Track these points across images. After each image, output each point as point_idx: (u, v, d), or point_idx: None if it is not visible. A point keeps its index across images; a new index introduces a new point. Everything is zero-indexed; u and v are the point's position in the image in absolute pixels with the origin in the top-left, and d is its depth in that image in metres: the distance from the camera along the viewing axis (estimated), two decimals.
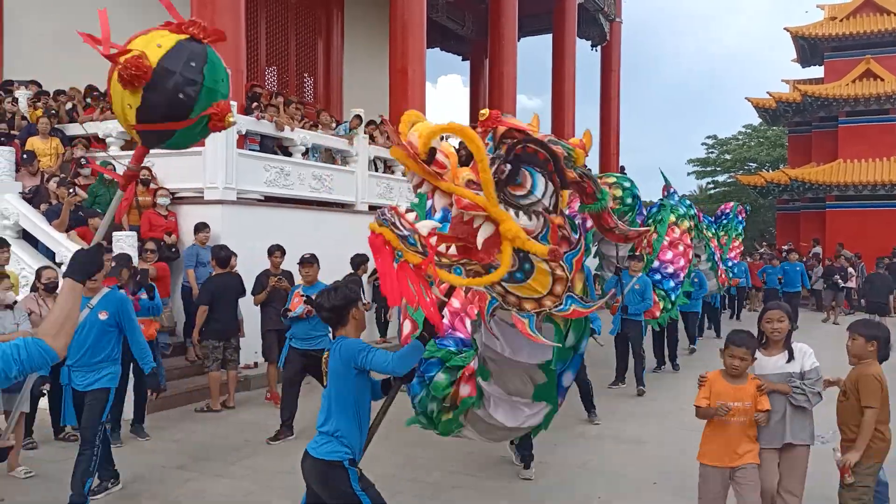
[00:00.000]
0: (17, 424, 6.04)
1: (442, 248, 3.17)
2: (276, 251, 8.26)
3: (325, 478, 3.50)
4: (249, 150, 10.22)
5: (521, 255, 3.08)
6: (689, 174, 48.27)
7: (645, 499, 5.45)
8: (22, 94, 11.40)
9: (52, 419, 6.91)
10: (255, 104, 10.53)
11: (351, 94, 19.02)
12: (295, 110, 11.46)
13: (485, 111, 3.27)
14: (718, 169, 45.35)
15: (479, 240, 3.02)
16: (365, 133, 12.36)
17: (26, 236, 8.78)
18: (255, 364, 9.30)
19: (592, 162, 25.10)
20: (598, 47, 25.77)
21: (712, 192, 45.51)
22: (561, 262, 3.19)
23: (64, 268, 8.13)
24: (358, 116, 12.19)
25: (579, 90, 23.83)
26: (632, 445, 6.84)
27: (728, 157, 44.53)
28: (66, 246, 8.37)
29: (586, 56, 25.58)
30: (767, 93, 27.20)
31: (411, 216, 3.00)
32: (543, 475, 5.95)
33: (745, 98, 28.00)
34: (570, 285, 3.29)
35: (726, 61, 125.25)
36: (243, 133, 10.01)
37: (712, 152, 46.56)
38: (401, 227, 2.93)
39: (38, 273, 6.89)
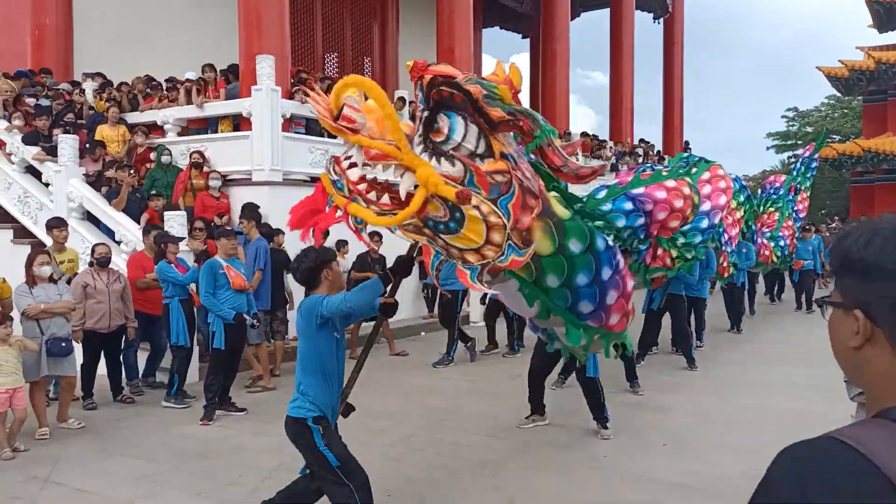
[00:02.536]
0: (65, 385, 6.71)
1: (375, 196, 3.11)
2: (376, 235, 9.16)
3: (295, 435, 3.75)
4: (295, 132, 10.69)
5: (450, 203, 2.99)
6: (768, 149, 46.69)
7: (651, 457, 5.62)
8: (89, 86, 12.21)
9: (111, 383, 7.58)
10: (298, 88, 10.97)
11: (406, 77, 19.35)
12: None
13: (409, 62, 3.16)
14: (800, 143, 43.63)
15: (402, 190, 3.02)
16: (409, 115, 12.67)
17: (89, 217, 9.51)
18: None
19: (655, 139, 24.73)
20: (661, 20, 25.24)
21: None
22: (495, 208, 3.06)
23: (123, 246, 8.83)
24: (402, 98, 12.50)
25: (641, 65, 23.48)
26: (656, 413, 6.99)
27: (809, 129, 42.78)
28: (124, 225, 9.05)
29: (648, 29, 25.13)
30: (840, 61, 26.06)
31: (346, 164, 3.07)
32: (557, 438, 6.20)
33: (817, 68, 26.89)
34: (520, 233, 3.19)
35: (806, 28, 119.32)
36: (288, 117, 10.47)
37: (793, 125, 44.83)
38: (332, 173, 3.10)
39: (93, 249, 7.54)
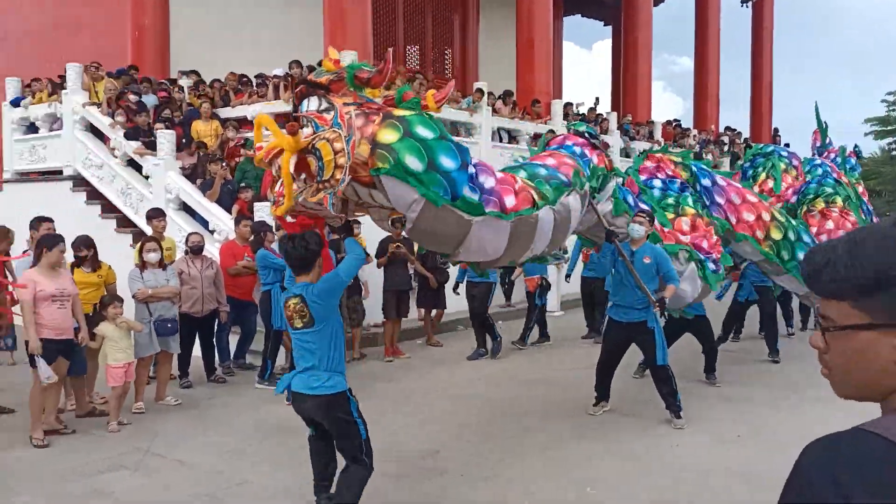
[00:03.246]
0: (163, 364, 7.22)
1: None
2: (397, 223, 8.98)
3: (331, 409, 4.05)
4: None
5: (313, 149, 3.81)
6: (866, 134, 44.27)
7: (723, 448, 5.64)
8: (185, 83, 12.89)
9: (205, 365, 8.09)
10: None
11: (486, 68, 19.48)
12: (419, 86, 12.09)
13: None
14: None
15: (283, 165, 3.79)
16: (489, 105, 12.81)
17: (185, 207, 10.10)
18: (378, 323, 9.94)
19: (742, 125, 24.00)
20: (749, 3, 24.44)
21: (895, 153, 41.54)
22: (331, 127, 3.86)
23: (216, 235, 9.35)
24: (479, 90, 12.66)
25: (727, 49, 22.83)
26: (733, 404, 6.96)
27: None
28: (217, 215, 9.59)
29: (736, 12, 24.38)
30: None
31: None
32: (628, 426, 6.29)
33: None
34: (364, 135, 3.99)
35: None
36: None
37: (894, 109, 42.41)
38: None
39: (187, 238, 8.05)
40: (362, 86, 4.19)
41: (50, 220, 7.07)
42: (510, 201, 4.64)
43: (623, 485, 4.97)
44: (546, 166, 5.44)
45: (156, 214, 8.36)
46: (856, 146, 11.33)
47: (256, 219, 8.86)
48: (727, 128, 22.47)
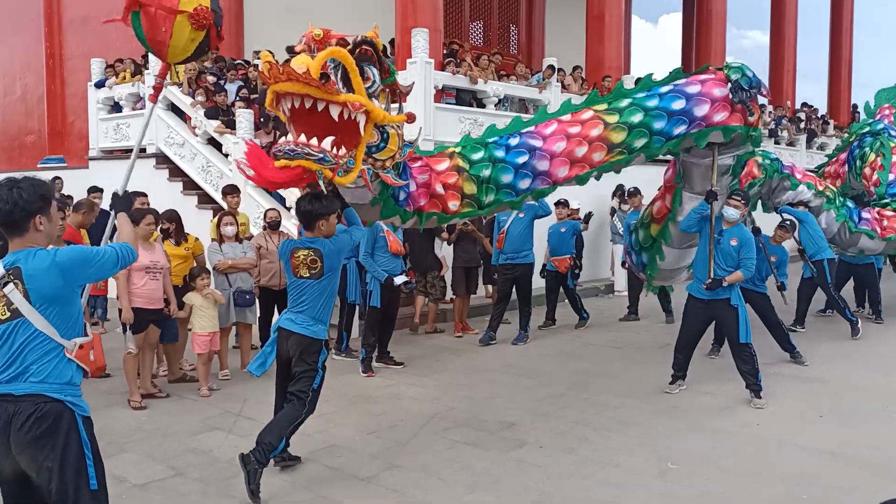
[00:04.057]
0: (244, 334, 7.50)
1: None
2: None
3: (305, 350, 4.46)
4: (446, 103, 11.07)
5: (381, 128, 4.17)
6: None
7: (805, 427, 5.59)
8: (259, 62, 13.17)
9: None
10: (450, 60, 11.32)
11: (552, 44, 19.25)
12: (488, 62, 12.09)
13: (318, 31, 4.16)
14: None
15: (362, 127, 4.06)
16: (558, 82, 12.71)
17: None
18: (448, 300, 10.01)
19: (820, 101, 23.16)
20: None
21: None
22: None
23: (293, 211, 9.59)
24: (550, 66, 12.56)
25: (805, 23, 22.01)
26: (814, 384, 6.87)
27: None
28: (293, 191, 9.81)
29: None
30: None
31: (302, 138, 3.96)
32: (708, 404, 6.27)
33: None
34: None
35: None
36: (440, 88, 10.86)
37: None
38: (314, 153, 3.93)
39: (265, 214, 8.29)
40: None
41: (144, 195, 7.38)
42: (563, 172, 5.59)
43: (705, 460, 4.98)
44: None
45: (231, 191, 8.56)
46: None
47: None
48: (804, 104, 21.71)
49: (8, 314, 2.77)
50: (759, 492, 4.47)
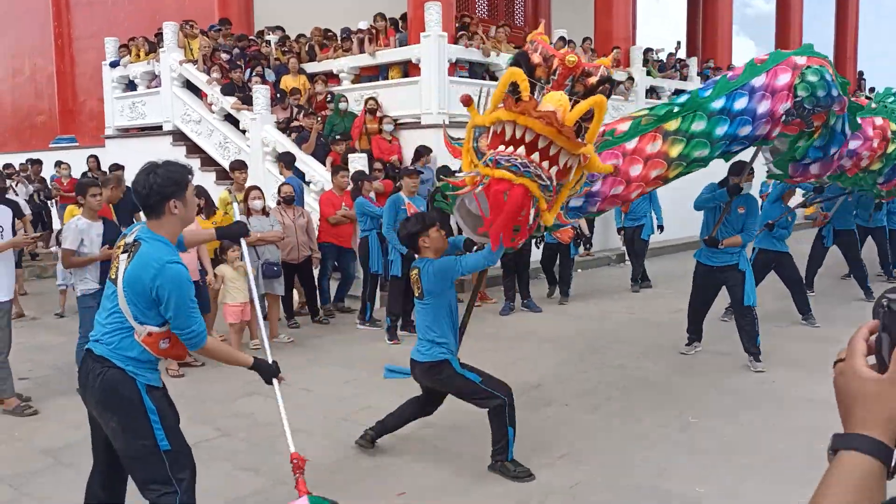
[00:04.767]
0: (272, 304, 7.74)
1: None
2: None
3: (433, 375, 4.38)
4: (459, 76, 11.21)
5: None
6: None
7: (817, 383, 5.83)
8: (272, 39, 13.29)
9: (309, 307, 8.62)
10: (462, 33, 11.43)
11: (559, 14, 19.26)
12: (502, 35, 12.20)
13: (573, 58, 3.63)
14: None
15: (573, 172, 3.76)
16: None
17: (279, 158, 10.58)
18: None
19: None
20: None
21: None
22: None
23: (312, 185, 9.79)
24: (562, 38, 12.66)
25: None
26: (825, 343, 7.10)
27: None
28: (312, 167, 10.03)
29: None
30: None
31: (535, 157, 3.55)
32: (723, 364, 6.51)
33: None
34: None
35: None
36: (454, 61, 11.00)
37: None
38: (543, 178, 3.57)
39: (279, 189, 8.48)
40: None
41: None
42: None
43: (724, 415, 5.23)
44: None
45: (239, 166, 8.59)
46: None
47: (353, 169, 9.24)
48: None
49: (115, 277, 2.98)
50: (777, 442, 4.71)
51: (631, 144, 4.88)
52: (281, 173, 9.32)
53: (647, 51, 15.11)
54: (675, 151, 4.91)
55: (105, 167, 11.57)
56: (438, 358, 4.36)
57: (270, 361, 3.59)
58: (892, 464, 0.91)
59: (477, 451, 4.46)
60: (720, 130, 4.97)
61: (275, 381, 3.58)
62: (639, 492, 4.06)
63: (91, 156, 12.34)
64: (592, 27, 15.34)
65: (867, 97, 19.85)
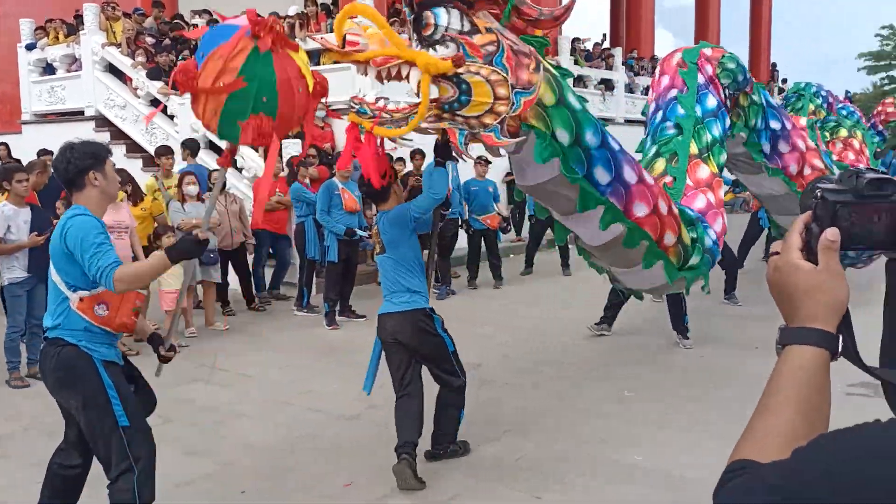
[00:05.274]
0: (208, 291, 7.63)
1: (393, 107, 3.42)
2: (416, 154, 9.30)
3: (416, 324, 4.07)
4: None
5: (455, 79, 3.27)
6: (859, 70, 44.27)
7: (743, 358, 6.16)
8: (199, 22, 12.94)
9: (244, 294, 8.51)
10: (394, 19, 11.42)
11: None
12: None
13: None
14: (894, 63, 41.26)
15: (413, 83, 3.29)
16: None
17: (212, 146, 10.36)
18: None
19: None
20: None
21: (887, 88, 41.68)
22: (493, 67, 3.31)
23: (245, 172, 9.63)
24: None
25: None
26: (754, 321, 7.47)
27: None
28: (244, 154, 9.86)
29: None
30: None
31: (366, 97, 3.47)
32: (658, 343, 6.78)
33: None
34: (519, 83, 3.40)
35: None
36: None
37: (888, 44, 42.31)
38: (356, 105, 3.44)
39: (209, 174, 8.36)
40: (523, 26, 3.57)
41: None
42: (639, 211, 4.07)
43: (659, 389, 5.47)
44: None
45: (165, 152, 8.45)
46: (849, 92, 11.60)
47: (286, 155, 9.15)
48: None
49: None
50: (707, 412, 4.96)
51: (688, 180, 4.98)
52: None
53: (575, 40, 15.42)
54: (714, 167, 5.08)
55: (17, 153, 11.05)
56: (424, 306, 4.14)
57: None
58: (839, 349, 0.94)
59: (423, 433, 4.52)
60: (717, 131, 5.20)
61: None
62: (582, 461, 4.22)
63: (0, 143, 11.77)
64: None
65: (780, 88, 20.94)
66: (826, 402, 0.90)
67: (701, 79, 5.33)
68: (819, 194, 0.95)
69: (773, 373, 0.93)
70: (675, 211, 4.35)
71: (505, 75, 3.35)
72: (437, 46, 3.33)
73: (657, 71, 5.77)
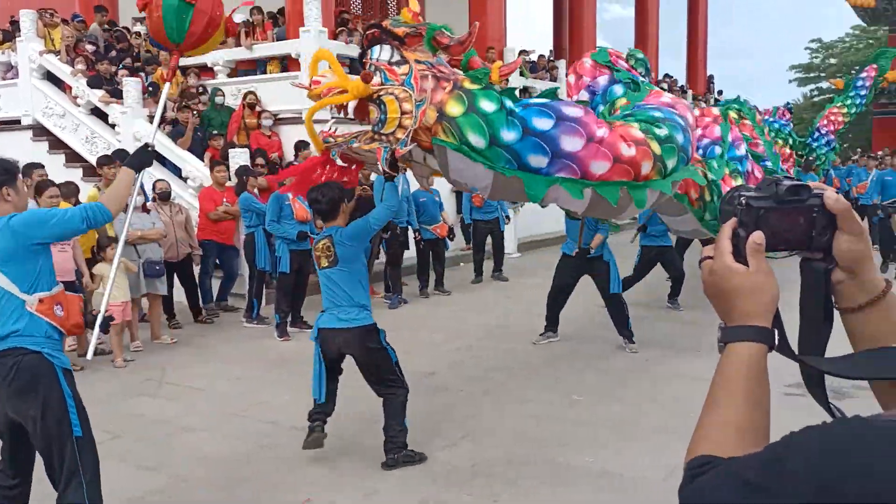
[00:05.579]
0: (154, 304, 7.51)
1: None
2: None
3: (364, 340, 4.28)
4: None
5: (378, 100, 3.81)
6: (790, 81, 46.10)
7: (688, 360, 6.35)
8: (141, 29, 12.72)
9: (190, 305, 8.37)
10: (342, 29, 11.44)
11: (433, 12, 19.53)
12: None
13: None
14: (822, 75, 43.08)
15: (350, 109, 3.94)
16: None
17: (155, 155, 10.17)
18: None
19: (679, 72, 24.86)
20: None
21: (816, 99, 43.46)
22: (401, 86, 3.80)
23: (190, 182, 9.51)
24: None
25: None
26: (690, 326, 7.70)
27: (833, 61, 42.21)
28: (190, 162, 9.73)
29: None
30: None
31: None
32: (602, 349, 6.94)
33: None
34: (424, 97, 3.85)
35: None
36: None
37: (816, 57, 44.20)
38: (328, 140, 4.09)
39: (154, 184, 8.22)
40: (438, 49, 4.11)
41: (41, 167, 7.17)
42: (599, 168, 4.03)
43: (606, 392, 5.61)
44: (685, 123, 4.62)
45: (107, 161, 8.18)
46: (790, 105, 12.08)
47: (233, 165, 9.06)
48: (666, 75, 23.25)
49: None
50: (653, 413, 5.13)
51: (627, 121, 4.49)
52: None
53: (521, 52, 15.67)
54: (656, 148, 4.30)
55: None
56: (372, 322, 4.35)
57: None
58: (775, 343, 1.01)
59: (378, 443, 4.53)
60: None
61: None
62: (536, 465, 4.31)
63: None
64: (467, 27, 15.71)
65: (717, 99, 21.60)
66: (766, 394, 0.96)
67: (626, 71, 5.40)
68: (744, 201, 1.02)
69: (718, 369, 0.99)
70: (640, 135, 4.21)
71: (410, 92, 3.79)
72: (377, 73, 3.91)
73: (572, 77, 5.66)
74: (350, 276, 4.32)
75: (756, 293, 1.00)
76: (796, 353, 1.03)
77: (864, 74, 12.62)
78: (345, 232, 4.32)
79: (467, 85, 3.94)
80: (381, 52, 3.94)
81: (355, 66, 11.52)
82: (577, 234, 6.79)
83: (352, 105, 3.90)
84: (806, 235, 1.02)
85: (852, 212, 1.02)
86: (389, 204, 4.28)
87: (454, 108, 3.86)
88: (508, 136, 3.90)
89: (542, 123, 3.94)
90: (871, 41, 39.93)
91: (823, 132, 12.22)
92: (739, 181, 5.69)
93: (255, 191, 8.25)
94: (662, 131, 4.36)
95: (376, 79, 3.85)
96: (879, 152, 17.27)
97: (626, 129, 4.23)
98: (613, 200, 4.12)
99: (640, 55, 6.02)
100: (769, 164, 6.61)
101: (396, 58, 3.91)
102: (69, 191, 7.04)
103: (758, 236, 1.00)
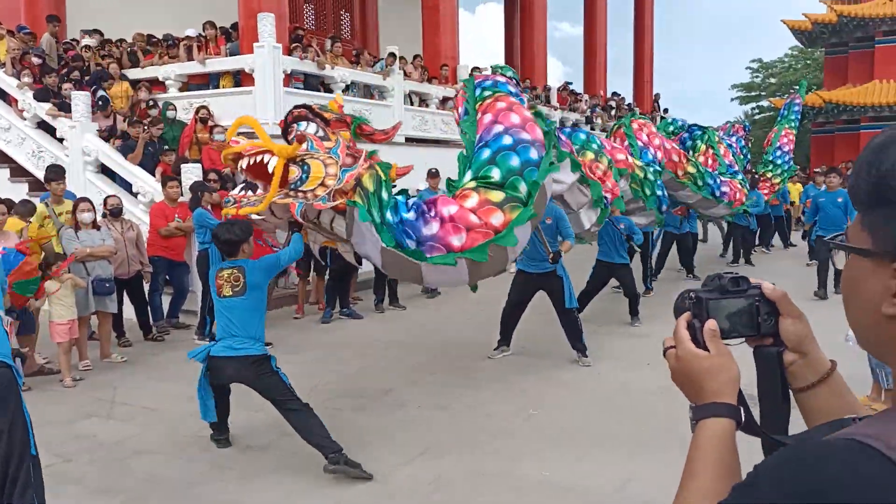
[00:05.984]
0: (104, 322, 7.36)
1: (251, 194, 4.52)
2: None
3: (257, 368, 4.53)
4: (294, 88, 11.20)
5: (301, 162, 4.32)
6: (732, 100, 47.72)
7: (637, 372, 6.51)
8: (89, 42, 12.49)
9: (140, 323, 8.22)
10: (297, 45, 11.44)
11: (386, 31, 19.70)
12: (339, 50, 12.34)
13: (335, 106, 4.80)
14: (763, 94, 44.61)
15: (270, 167, 4.29)
16: (399, 69, 13.19)
17: (104, 170, 10.00)
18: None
19: (626, 90, 25.45)
20: None
21: (757, 117, 44.96)
22: (329, 154, 4.41)
23: (141, 197, 9.36)
24: (392, 54, 13.01)
25: (615, 19, 24.04)
26: (641, 339, 7.89)
27: (773, 80, 43.76)
28: (140, 178, 9.57)
29: None
30: (803, 14, 26.94)
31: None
32: (557, 362, 7.05)
33: (781, 20, 27.74)
34: (348, 163, 4.48)
35: None
36: (289, 72, 10.97)
37: (757, 76, 45.75)
38: (226, 200, 4.60)
39: (105, 200, 8.07)
40: (360, 136, 4.79)
41: None
42: (457, 241, 4.93)
43: (561, 405, 5.72)
44: (515, 139, 5.54)
45: (55, 177, 7.99)
46: (746, 124, 12.84)
47: (186, 180, 8.96)
48: (614, 93, 23.79)
49: None
50: (607, 425, 5.25)
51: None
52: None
53: (475, 69, 15.84)
54: (495, 197, 5.31)
55: None
56: (264, 352, 4.62)
57: None
58: (742, 418, 1.10)
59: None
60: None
61: None
62: (495, 479, 4.37)
63: None
64: (420, 44, 15.86)
65: (662, 117, 22.21)
66: (737, 462, 1.05)
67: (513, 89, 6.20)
68: (693, 295, 1.12)
69: (692, 444, 1.06)
70: (475, 201, 5.15)
71: (336, 159, 4.43)
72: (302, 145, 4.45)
73: (456, 102, 6.51)
74: (252, 305, 4.60)
75: (721, 373, 1.09)
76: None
77: (797, 100, 13.34)
78: (257, 264, 4.69)
79: (377, 168, 4.69)
80: (308, 127, 4.54)
81: (309, 80, 11.60)
82: (535, 252, 6.86)
83: (244, 163, 4.35)
84: (753, 321, 1.13)
85: (788, 297, 1.13)
86: (297, 248, 4.89)
87: (369, 183, 4.59)
88: (390, 217, 4.76)
89: (410, 216, 4.89)
90: (808, 62, 41.56)
91: (785, 150, 12.82)
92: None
93: (209, 207, 8.17)
94: (495, 172, 5.32)
95: (304, 146, 4.40)
96: (817, 169, 18.01)
97: (464, 200, 5.12)
98: (484, 258, 4.96)
99: (509, 71, 6.69)
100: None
101: (322, 133, 4.53)
102: (26, 210, 6.87)
103: (712, 323, 1.11)
